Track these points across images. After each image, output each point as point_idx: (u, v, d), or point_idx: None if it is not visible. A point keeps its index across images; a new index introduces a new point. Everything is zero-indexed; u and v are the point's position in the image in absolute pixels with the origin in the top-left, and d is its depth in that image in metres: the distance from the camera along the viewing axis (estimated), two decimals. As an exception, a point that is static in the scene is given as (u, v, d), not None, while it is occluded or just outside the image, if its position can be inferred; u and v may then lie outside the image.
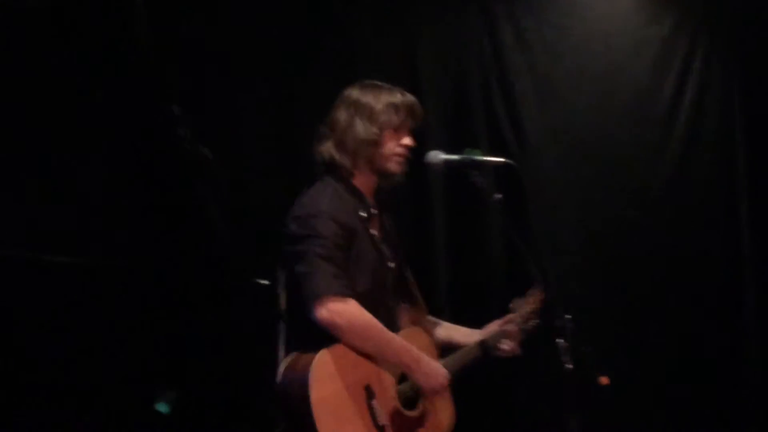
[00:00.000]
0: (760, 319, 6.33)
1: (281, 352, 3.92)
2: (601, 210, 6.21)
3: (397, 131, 4.15)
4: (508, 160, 4.31)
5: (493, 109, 6.09)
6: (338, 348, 3.89)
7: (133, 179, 3.26)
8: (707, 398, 6.20)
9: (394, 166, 4.16)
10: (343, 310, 3.88)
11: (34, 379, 2.70)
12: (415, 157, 4.26)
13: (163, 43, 3.25)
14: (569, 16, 6.25)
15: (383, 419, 3.95)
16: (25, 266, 2.70)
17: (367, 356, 3.97)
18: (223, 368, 2.96)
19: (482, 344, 4.37)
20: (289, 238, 4.01)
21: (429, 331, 4.33)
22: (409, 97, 4.21)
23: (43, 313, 2.70)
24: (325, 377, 3.82)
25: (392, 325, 4.16)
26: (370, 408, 3.93)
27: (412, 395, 4.12)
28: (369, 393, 3.94)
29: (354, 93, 4.19)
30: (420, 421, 4.11)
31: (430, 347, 4.26)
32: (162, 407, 2.71)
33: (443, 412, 4.22)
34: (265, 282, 3.06)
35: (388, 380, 4.04)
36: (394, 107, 4.14)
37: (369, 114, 4.12)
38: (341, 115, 4.16)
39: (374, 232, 4.17)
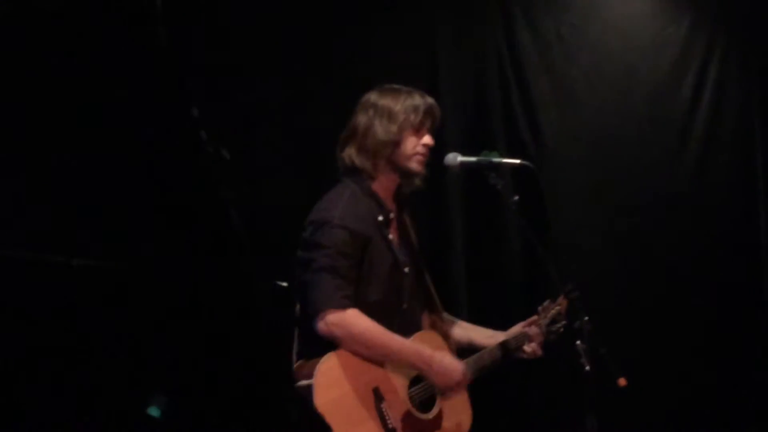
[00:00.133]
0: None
1: (294, 355, 3.94)
2: (619, 211, 6.20)
3: (417, 131, 4.16)
4: (525, 162, 4.30)
5: (511, 111, 6.09)
6: (344, 352, 3.91)
7: (153, 181, 3.27)
8: (730, 398, 6.18)
9: (415, 165, 4.16)
10: (340, 322, 3.90)
11: (59, 382, 2.71)
12: (432, 159, 4.27)
13: (181, 45, 3.25)
14: (587, 17, 6.24)
15: (394, 422, 3.94)
16: (49, 269, 2.71)
17: (373, 360, 3.98)
18: (241, 370, 2.97)
19: (503, 345, 4.36)
20: (302, 243, 4.05)
21: (446, 335, 4.32)
22: (428, 99, 4.22)
23: (67, 316, 2.71)
24: (331, 381, 3.84)
25: (409, 330, 4.16)
26: (380, 411, 3.93)
27: (428, 397, 4.12)
28: (378, 396, 3.94)
29: (372, 97, 4.21)
30: (435, 423, 4.10)
31: (444, 350, 4.25)
32: (154, 411, 2.72)
33: (460, 414, 4.21)
34: (284, 284, 3.06)
35: (399, 383, 4.04)
36: (414, 108, 4.15)
37: (388, 115, 4.13)
38: (361, 119, 4.17)
39: (391, 236, 4.17)
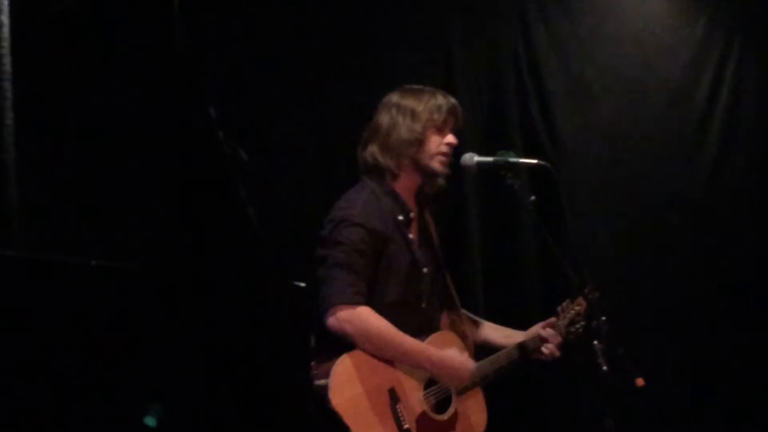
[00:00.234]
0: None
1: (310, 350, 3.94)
2: (635, 211, 6.20)
3: (440, 131, 4.17)
4: (542, 162, 4.30)
5: (527, 111, 6.09)
6: (358, 353, 3.91)
7: (171, 181, 3.29)
8: (746, 399, 6.17)
9: (438, 165, 4.16)
10: (350, 318, 3.90)
11: (77, 383, 2.72)
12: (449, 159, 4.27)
13: (198, 45, 3.28)
14: (603, 16, 6.24)
15: (409, 423, 3.94)
16: (66, 270, 2.73)
17: (388, 361, 3.98)
18: (258, 370, 2.98)
19: (522, 346, 4.35)
20: (320, 241, 4.05)
21: (464, 335, 4.32)
22: (451, 99, 4.23)
23: (86, 317, 2.72)
24: (345, 382, 3.83)
25: (428, 330, 4.16)
26: (395, 412, 3.92)
27: (443, 398, 4.12)
28: (393, 397, 3.94)
29: (395, 97, 4.21)
30: (450, 424, 4.09)
31: (461, 350, 4.25)
32: (150, 421, 2.73)
33: (476, 415, 4.20)
34: (301, 284, 3.07)
35: (414, 384, 4.03)
36: (437, 107, 4.16)
37: (411, 114, 4.14)
38: (383, 118, 4.18)
39: (411, 236, 4.17)
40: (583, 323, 4.44)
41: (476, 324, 4.48)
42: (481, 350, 4.38)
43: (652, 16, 6.31)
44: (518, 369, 4.38)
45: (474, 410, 4.19)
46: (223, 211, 3.24)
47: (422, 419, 4.00)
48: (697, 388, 6.13)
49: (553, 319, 4.42)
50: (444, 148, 4.17)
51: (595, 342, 3.98)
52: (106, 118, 3.31)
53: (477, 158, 4.21)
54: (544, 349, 4.37)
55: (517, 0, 6.15)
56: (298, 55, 5.44)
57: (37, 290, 2.69)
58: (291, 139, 5.45)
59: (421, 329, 4.11)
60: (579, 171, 6.10)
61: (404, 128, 4.12)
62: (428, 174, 4.19)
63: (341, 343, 3.90)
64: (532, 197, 4.20)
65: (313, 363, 3.90)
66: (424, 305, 4.17)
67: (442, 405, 4.11)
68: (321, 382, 3.79)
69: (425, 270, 4.18)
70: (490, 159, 4.22)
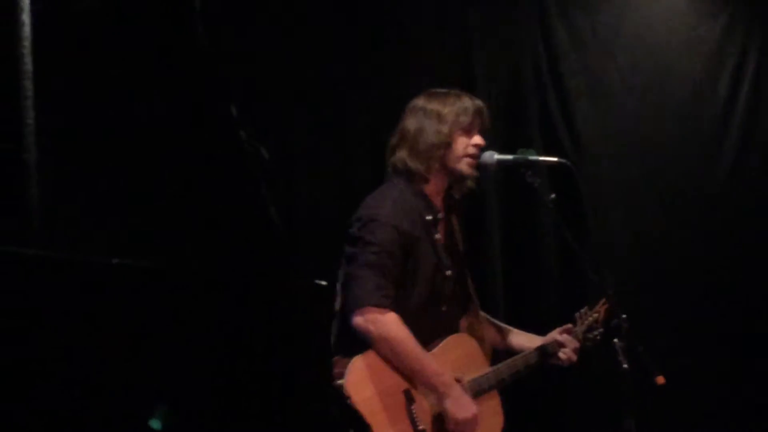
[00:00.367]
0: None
1: (331, 349, 3.94)
2: (655, 209, 6.18)
3: (468, 132, 4.16)
4: (562, 160, 4.30)
5: (548, 109, 6.08)
6: (372, 354, 3.91)
7: (192, 180, 3.29)
8: (763, 398, 6.15)
9: (465, 167, 4.16)
10: (378, 321, 3.90)
11: (97, 381, 2.73)
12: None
13: (219, 44, 3.28)
14: (623, 15, 6.22)
15: (424, 424, 3.94)
16: (86, 269, 2.73)
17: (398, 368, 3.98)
18: (279, 368, 2.98)
19: (539, 351, 4.34)
20: (348, 239, 4.05)
21: (482, 338, 4.31)
22: (476, 100, 4.23)
23: (104, 315, 2.73)
24: (361, 382, 3.84)
25: (447, 332, 4.17)
26: (410, 412, 3.92)
27: None
28: (408, 398, 3.94)
29: (420, 101, 4.21)
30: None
31: (477, 353, 4.24)
32: (155, 424, 2.73)
33: (492, 417, 4.18)
34: (323, 283, 3.07)
35: None
36: (463, 109, 4.16)
37: (438, 117, 4.14)
38: (411, 123, 4.17)
39: (438, 236, 4.17)
40: (601, 330, 4.44)
41: (495, 327, 4.47)
42: (499, 353, 4.37)
43: (672, 13, 6.29)
44: (535, 373, 4.37)
45: (490, 413, 4.17)
46: (245, 210, 3.25)
47: (437, 421, 3.99)
48: (719, 387, 6.11)
49: (570, 326, 4.41)
50: (471, 150, 4.17)
51: (616, 340, 3.98)
52: (127, 118, 3.32)
53: (497, 156, 4.20)
54: (561, 354, 4.36)
55: (538, -1, 6.15)
56: (318, 55, 5.45)
57: (58, 289, 2.70)
58: (310, 138, 5.46)
59: (439, 332, 4.11)
60: (599, 169, 6.09)
61: (431, 131, 4.12)
62: (456, 176, 4.19)
63: (362, 342, 3.90)
64: (552, 195, 4.20)
65: (335, 357, 3.91)
66: (444, 308, 4.16)
67: None
68: (339, 382, 3.80)
69: (449, 273, 4.17)
70: (510, 157, 4.22)
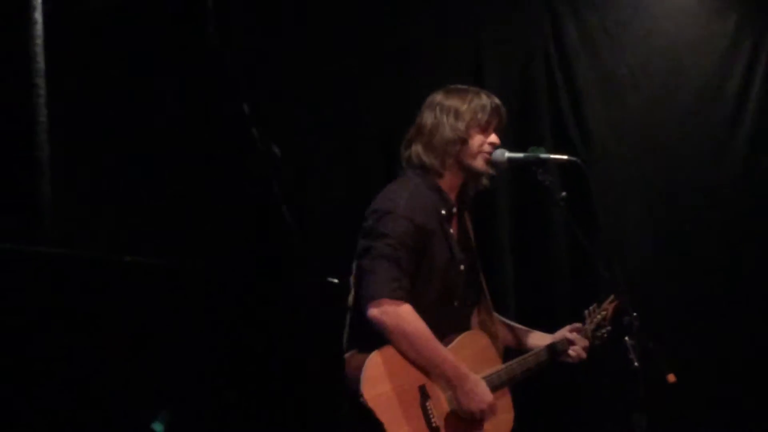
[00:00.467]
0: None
1: (343, 347, 3.95)
2: (666, 208, 6.18)
3: (484, 130, 4.17)
4: (573, 158, 4.30)
5: (558, 108, 6.08)
6: (390, 349, 3.91)
7: (204, 178, 3.30)
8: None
9: (481, 164, 4.17)
10: (394, 313, 3.90)
11: (107, 380, 2.73)
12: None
13: (231, 43, 3.29)
14: (633, 13, 6.22)
15: (438, 421, 3.94)
16: (102, 267, 2.74)
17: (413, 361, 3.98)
18: (292, 366, 2.99)
19: (550, 349, 4.36)
20: (363, 232, 4.06)
21: (494, 335, 4.31)
22: (494, 98, 4.24)
23: (116, 312, 2.73)
24: (377, 377, 3.84)
25: (462, 328, 4.17)
26: (425, 409, 3.92)
27: None
28: (423, 394, 3.94)
29: (438, 97, 4.22)
30: (478, 423, 4.09)
31: (490, 350, 4.25)
32: (158, 427, 2.74)
33: (503, 414, 4.19)
34: (335, 280, 3.08)
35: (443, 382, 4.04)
36: (481, 107, 4.16)
37: (455, 113, 4.14)
38: (427, 118, 4.18)
39: (452, 231, 4.18)
40: (609, 328, 4.46)
41: (506, 326, 4.48)
42: (510, 351, 4.38)
43: (683, 11, 6.29)
44: (545, 371, 4.37)
45: (501, 410, 4.17)
46: (257, 208, 3.25)
47: (450, 417, 4.00)
48: (731, 385, 6.10)
49: (579, 324, 4.42)
50: (487, 148, 4.17)
51: (627, 338, 3.98)
52: (139, 116, 3.32)
53: (508, 154, 4.21)
54: (571, 352, 4.38)
55: (547, -2, 6.15)
56: (330, 53, 5.45)
57: (69, 287, 2.70)
58: (321, 136, 5.46)
59: (451, 328, 4.11)
60: (610, 167, 6.09)
61: (448, 127, 4.13)
62: (471, 173, 4.19)
63: (376, 336, 3.90)
64: (563, 193, 4.20)
65: (350, 352, 3.92)
66: (456, 303, 4.17)
67: None
68: (353, 377, 3.81)
69: (462, 267, 4.18)
70: (521, 155, 4.22)
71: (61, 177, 3.16)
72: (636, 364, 3.93)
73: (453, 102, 4.17)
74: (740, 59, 6.30)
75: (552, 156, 4.25)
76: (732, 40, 6.30)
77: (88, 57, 3.29)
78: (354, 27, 5.58)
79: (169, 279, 2.81)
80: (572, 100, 6.10)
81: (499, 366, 4.22)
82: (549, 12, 6.12)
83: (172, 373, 2.80)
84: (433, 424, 3.92)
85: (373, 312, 3.90)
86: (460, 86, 4.28)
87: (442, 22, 5.86)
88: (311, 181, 5.40)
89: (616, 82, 6.18)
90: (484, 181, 4.24)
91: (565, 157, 4.31)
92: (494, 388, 4.12)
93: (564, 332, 4.41)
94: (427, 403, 3.93)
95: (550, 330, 4.49)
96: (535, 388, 4.52)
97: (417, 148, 4.17)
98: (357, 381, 3.80)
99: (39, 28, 3.15)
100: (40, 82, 3.13)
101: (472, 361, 4.09)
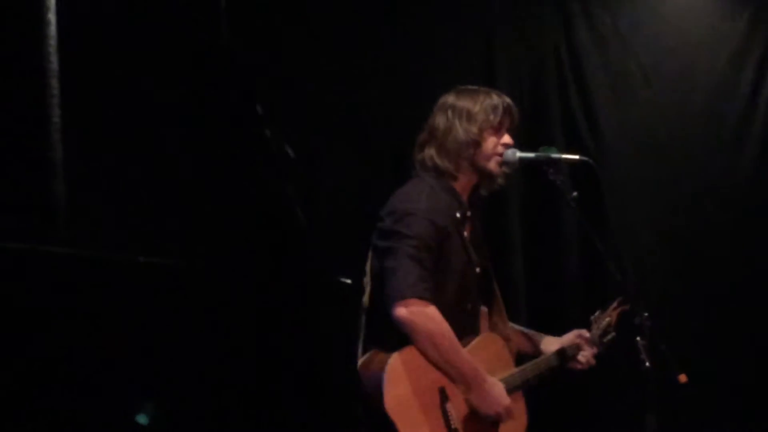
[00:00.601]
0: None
1: (359, 348, 3.94)
2: (677, 208, 6.17)
3: (497, 131, 4.16)
4: (584, 158, 4.30)
5: (569, 107, 6.08)
6: (412, 350, 3.89)
7: (218, 179, 3.31)
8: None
9: (494, 165, 4.15)
10: (422, 313, 3.87)
11: (119, 379, 2.74)
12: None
13: (244, 43, 3.30)
14: (644, 12, 6.21)
15: (456, 423, 3.93)
16: (113, 267, 2.75)
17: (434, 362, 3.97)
18: (305, 367, 2.99)
19: (560, 354, 4.36)
20: (382, 233, 4.02)
21: (507, 338, 4.31)
22: (506, 98, 4.21)
23: (130, 312, 2.74)
24: (399, 378, 3.81)
25: (473, 331, 4.16)
26: (444, 411, 3.91)
27: None
28: (443, 396, 3.92)
29: (450, 98, 4.20)
30: (494, 425, 4.08)
31: (504, 354, 4.24)
32: (142, 419, 2.74)
33: (516, 419, 4.17)
34: (348, 281, 3.08)
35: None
36: (492, 107, 4.15)
37: (468, 116, 4.12)
38: (440, 120, 4.16)
39: (466, 233, 4.16)
40: (613, 335, 4.46)
41: (514, 329, 4.47)
42: (520, 356, 4.38)
43: (695, 11, 6.28)
44: (556, 376, 4.38)
45: (516, 414, 4.17)
46: (270, 209, 3.26)
47: (468, 419, 3.98)
48: (743, 386, 6.09)
49: (586, 332, 4.43)
50: (500, 149, 4.16)
51: (638, 338, 3.97)
52: (152, 116, 3.33)
53: (519, 154, 4.19)
54: (580, 358, 4.39)
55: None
56: (340, 53, 5.45)
57: (83, 287, 2.71)
58: (333, 136, 5.46)
59: (466, 330, 4.09)
60: (621, 167, 6.08)
61: (461, 130, 4.11)
62: (485, 174, 4.18)
63: (397, 336, 3.88)
64: (574, 193, 4.20)
65: (369, 353, 3.90)
66: (469, 306, 4.16)
67: None
68: (373, 375, 3.81)
69: (477, 270, 4.18)
70: (532, 155, 4.21)
71: (74, 177, 3.17)
72: (647, 364, 3.93)
73: (465, 103, 4.16)
74: (752, 58, 6.28)
75: (563, 156, 4.24)
76: (743, 40, 6.28)
77: (100, 57, 3.30)
78: (365, 27, 5.58)
79: (182, 279, 2.82)
80: (583, 100, 6.09)
81: (513, 370, 4.21)
82: (561, 12, 6.11)
83: (187, 371, 2.81)
84: (452, 426, 3.90)
85: (401, 312, 3.86)
86: (470, 87, 4.26)
87: (454, 23, 5.85)
88: (323, 182, 5.40)
89: (628, 82, 6.17)
90: (499, 181, 4.23)
91: (576, 157, 4.31)
92: (509, 392, 4.11)
93: (572, 337, 4.41)
94: (447, 405, 3.92)
95: (561, 331, 4.48)
96: (545, 389, 4.51)
97: (430, 152, 4.16)
98: (379, 380, 3.78)
99: (52, 28, 3.16)
100: (54, 82, 3.14)
101: (487, 364, 4.08)
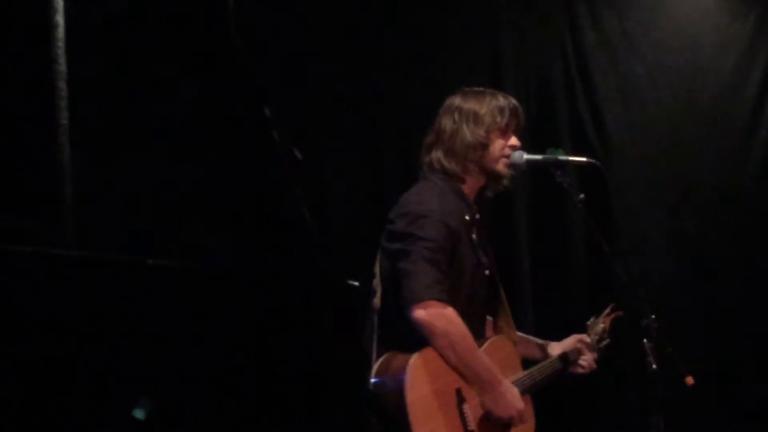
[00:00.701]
0: None
1: (374, 350, 3.94)
2: (684, 209, 6.17)
3: (504, 133, 4.16)
4: (591, 160, 4.30)
5: (576, 109, 6.08)
6: (431, 351, 3.88)
7: (226, 181, 3.30)
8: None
9: (502, 167, 4.16)
10: (441, 315, 3.86)
11: (127, 382, 2.74)
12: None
13: (253, 45, 3.29)
14: (652, 14, 6.22)
15: (472, 425, 3.93)
16: (121, 269, 2.74)
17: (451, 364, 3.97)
18: (313, 369, 2.99)
19: (563, 358, 4.37)
20: (394, 235, 4.01)
21: (513, 341, 4.31)
22: (511, 99, 4.21)
23: (139, 315, 2.74)
24: (419, 379, 3.81)
25: (479, 335, 4.16)
26: (461, 412, 3.91)
27: None
28: (460, 397, 3.92)
29: (457, 100, 4.19)
30: (506, 427, 4.08)
31: (514, 357, 4.25)
32: (138, 413, 2.74)
33: (527, 420, 4.19)
34: (356, 283, 3.08)
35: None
36: (499, 109, 4.14)
37: (475, 118, 4.12)
38: (447, 123, 4.16)
39: (474, 236, 4.16)
40: (608, 341, 4.49)
41: (527, 341, 4.48)
42: (525, 361, 4.39)
43: (702, 12, 6.28)
44: (559, 380, 4.38)
45: (526, 416, 4.17)
46: (278, 211, 3.25)
47: (483, 421, 3.98)
48: (751, 388, 6.09)
49: (585, 336, 4.44)
50: (508, 151, 4.16)
51: (645, 340, 3.97)
52: (160, 118, 3.33)
53: (527, 156, 4.20)
54: (582, 362, 4.41)
55: (565, -2, 6.15)
56: (349, 56, 5.46)
57: (91, 289, 2.71)
58: (340, 138, 5.47)
59: (475, 334, 4.09)
60: (628, 169, 6.09)
61: (468, 133, 4.11)
62: (493, 176, 4.18)
63: (413, 337, 3.87)
64: (582, 195, 4.19)
65: (387, 355, 3.89)
66: (476, 309, 4.16)
67: None
68: (393, 376, 3.81)
69: (487, 272, 4.17)
70: (539, 157, 4.21)
71: (82, 180, 3.16)
72: (654, 366, 3.93)
73: (471, 105, 4.15)
74: (759, 61, 6.30)
75: (570, 158, 4.24)
76: (751, 41, 6.29)
77: (109, 59, 3.29)
78: (373, 29, 5.58)
79: (190, 281, 2.82)
80: (590, 101, 6.09)
81: (522, 373, 4.22)
82: (567, 13, 6.12)
83: (194, 374, 2.81)
84: (469, 428, 3.90)
85: (420, 314, 3.86)
86: (476, 89, 4.26)
87: (461, 25, 5.86)
88: (331, 184, 5.41)
89: (635, 84, 6.18)
90: (505, 182, 4.23)
91: (583, 159, 4.31)
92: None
93: (573, 342, 4.43)
94: (463, 406, 3.91)
95: (568, 332, 4.50)
96: (552, 390, 4.51)
97: (437, 154, 4.15)
98: (400, 382, 3.78)
99: (61, 30, 3.15)
100: (62, 84, 3.13)
101: (499, 366, 4.07)
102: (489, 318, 4.28)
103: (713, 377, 5.65)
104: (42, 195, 3.16)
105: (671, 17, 6.24)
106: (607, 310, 4.53)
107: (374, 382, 3.84)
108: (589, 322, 4.49)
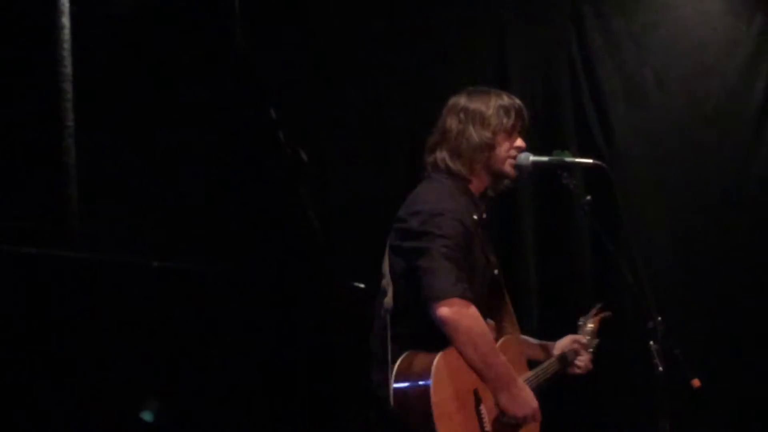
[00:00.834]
0: None
1: (388, 349, 3.91)
2: (690, 212, 6.16)
3: (510, 134, 4.15)
4: (598, 162, 4.30)
5: (582, 111, 6.07)
6: (453, 351, 3.87)
7: (231, 183, 3.30)
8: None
9: (509, 168, 4.16)
10: (466, 313, 3.85)
11: (133, 383, 2.74)
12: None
13: (258, 46, 3.30)
14: (658, 16, 6.21)
15: (488, 425, 3.93)
16: (126, 271, 2.74)
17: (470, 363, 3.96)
18: (320, 371, 2.99)
19: (561, 358, 4.38)
20: (409, 233, 3.98)
21: (519, 341, 4.32)
22: (516, 100, 4.21)
23: (144, 317, 2.74)
24: (444, 381, 3.80)
25: (488, 333, 4.17)
26: (478, 413, 3.91)
27: None
28: (477, 398, 3.92)
29: (462, 100, 4.19)
30: (516, 427, 4.07)
31: (521, 356, 4.25)
32: (147, 416, 2.74)
33: (539, 419, 4.19)
34: (361, 285, 3.07)
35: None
36: (505, 110, 4.14)
37: (481, 119, 4.12)
38: (452, 123, 4.15)
39: (482, 236, 4.16)
40: (598, 341, 4.50)
41: (529, 344, 4.48)
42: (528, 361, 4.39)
43: (708, 14, 6.27)
44: (559, 381, 4.38)
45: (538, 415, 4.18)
46: (283, 212, 3.25)
47: (497, 421, 3.97)
48: (756, 390, 6.08)
49: (580, 336, 4.44)
50: (514, 152, 4.16)
51: (651, 342, 3.97)
52: (165, 119, 3.33)
53: (533, 158, 4.20)
54: (579, 363, 4.42)
55: (572, 0, 6.13)
56: (354, 56, 5.46)
57: (97, 291, 2.71)
58: (345, 139, 5.47)
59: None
60: (634, 171, 6.07)
61: (474, 134, 4.10)
62: (499, 177, 4.18)
63: (432, 336, 3.86)
64: (588, 197, 4.19)
65: (409, 352, 3.89)
66: (483, 308, 4.15)
67: None
68: (421, 381, 3.79)
69: (495, 272, 4.17)
70: (545, 159, 4.21)
71: (88, 181, 3.17)
72: (660, 368, 3.92)
73: (477, 106, 4.14)
74: (765, 62, 6.28)
75: (576, 160, 4.25)
76: (757, 43, 6.27)
77: (114, 61, 3.30)
78: (378, 29, 5.58)
79: (195, 283, 2.82)
80: (596, 103, 6.08)
81: (528, 373, 4.22)
82: (573, 15, 6.11)
83: (200, 376, 2.81)
84: (485, 429, 3.90)
85: (444, 311, 3.83)
86: (481, 88, 4.25)
87: (467, 25, 5.86)
88: (337, 185, 5.41)
89: (641, 85, 6.17)
90: (507, 183, 4.23)
91: (590, 161, 4.31)
92: None
93: (569, 342, 4.44)
94: (480, 407, 3.91)
95: (573, 333, 4.50)
96: (558, 392, 4.51)
97: (442, 154, 4.14)
98: (426, 384, 3.77)
99: (66, 32, 3.16)
100: (67, 86, 3.14)
101: (511, 366, 4.08)
102: (490, 321, 4.27)
103: (720, 379, 5.64)
104: (48, 196, 3.16)
105: (677, 19, 6.23)
106: (594, 311, 4.54)
107: (397, 384, 3.83)
108: (580, 323, 4.50)
